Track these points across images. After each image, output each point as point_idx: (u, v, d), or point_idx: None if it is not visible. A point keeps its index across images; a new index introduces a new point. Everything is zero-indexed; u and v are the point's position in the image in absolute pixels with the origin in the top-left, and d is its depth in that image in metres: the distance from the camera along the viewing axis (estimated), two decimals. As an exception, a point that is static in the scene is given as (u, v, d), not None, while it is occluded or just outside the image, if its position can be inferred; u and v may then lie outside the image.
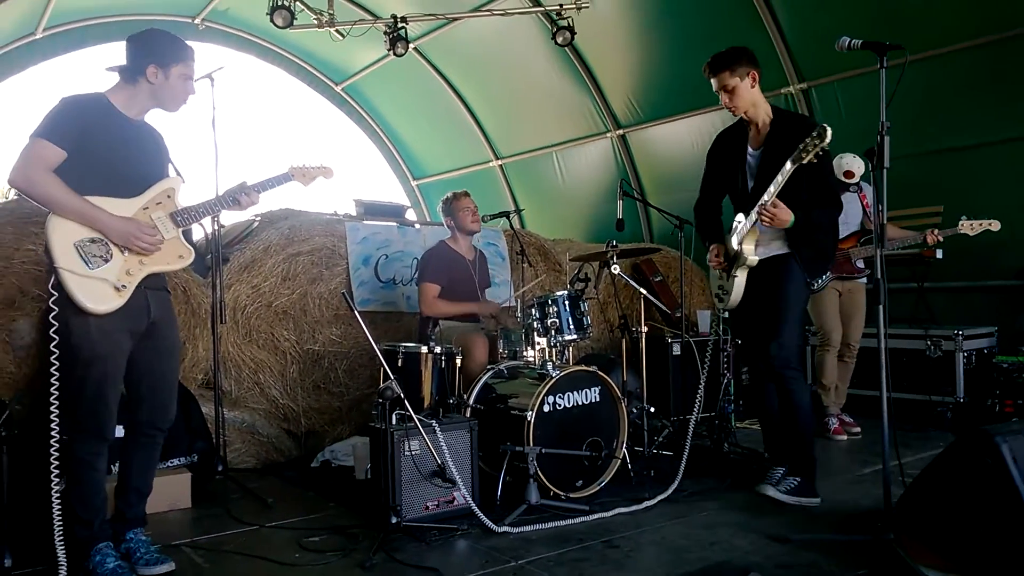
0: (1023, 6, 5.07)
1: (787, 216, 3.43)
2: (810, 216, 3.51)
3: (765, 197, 3.42)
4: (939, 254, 5.23)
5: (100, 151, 2.74)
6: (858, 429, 5.11)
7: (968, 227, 4.73)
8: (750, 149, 3.71)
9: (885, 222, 3.07)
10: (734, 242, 3.70)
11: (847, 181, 5.01)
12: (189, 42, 2.95)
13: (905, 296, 5.78)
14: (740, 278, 3.69)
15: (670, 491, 3.72)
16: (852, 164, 5.02)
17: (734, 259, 3.71)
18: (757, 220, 3.49)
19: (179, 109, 2.96)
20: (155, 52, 2.83)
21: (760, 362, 3.71)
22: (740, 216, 3.68)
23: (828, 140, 3.14)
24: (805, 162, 3.22)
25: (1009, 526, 2.45)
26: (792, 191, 3.41)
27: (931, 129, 5.73)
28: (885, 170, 2.95)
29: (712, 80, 3.63)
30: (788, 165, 3.29)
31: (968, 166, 5.71)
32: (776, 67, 6.39)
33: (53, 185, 2.65)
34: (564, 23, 7.14)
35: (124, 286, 2.71)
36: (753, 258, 3.64)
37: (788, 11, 6.22)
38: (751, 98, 3.63)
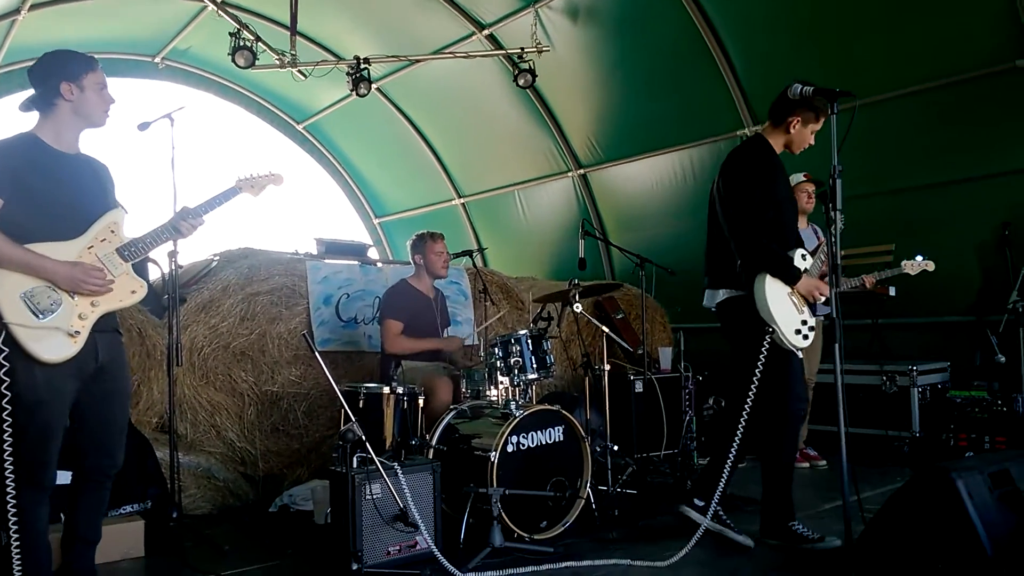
0: (969, 53, 5.29)
1: None
2: None
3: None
4: (892, 291, 5.34)
5: (36, 192, 2.66)
6: (824, 462, 5.16)
7: (909, 267, 4.90)
8: None
9: (840, 263, 3.16)
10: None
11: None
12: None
13: (860, 332, 5.89)
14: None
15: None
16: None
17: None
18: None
19: (105, 121, 2.86)
20: (62, 69, 2.76)
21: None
22: (804, 252, 3.58)
23: None
24: None
25: (966, 562, 2.48)
26: None
27: (882, 170, 5.89)
28: (839, 212, 3.05)
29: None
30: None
31: (918, 206, 5.89)
32: (732, 110, 6.56)
33: None
34: (525, 66, 7.26)
35: (78, 332, 2.64)
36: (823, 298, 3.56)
37: (742, 57, 6.40)
38: None
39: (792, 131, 3.55)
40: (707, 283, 3.70)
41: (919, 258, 4.91)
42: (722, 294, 3.60)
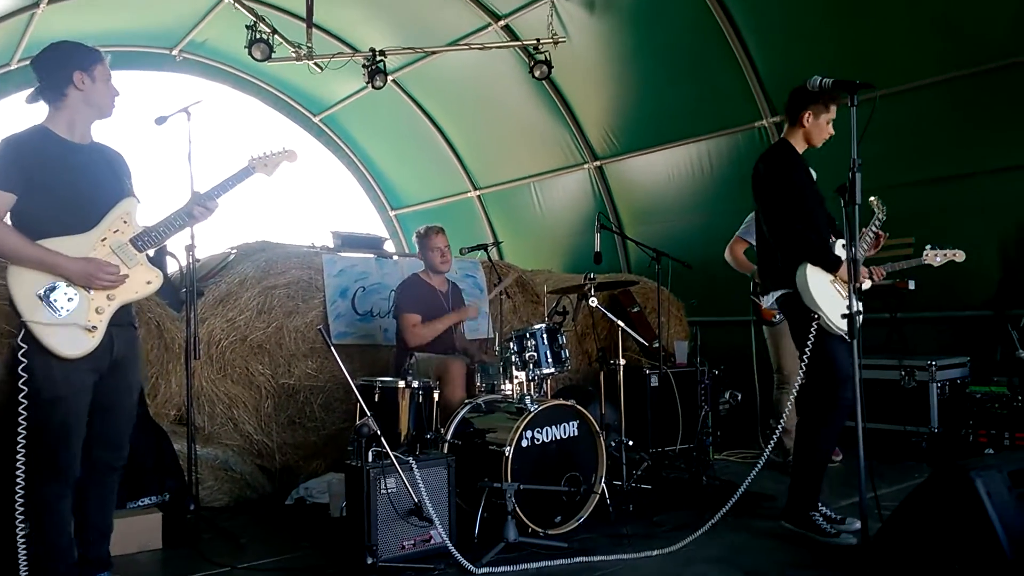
0: (985, 46, 5.21)
1: None
2: None
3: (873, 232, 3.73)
4: (911, 285, 5.27)
5: (49, 185, 2.67)
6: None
7: (932, 257, 4.37)
8: None
9: (858, 257, 3.12)
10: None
11: None
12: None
13: (878, 327, 5.83)
14: None
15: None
16: None
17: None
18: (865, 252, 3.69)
19: (113, 112, 2.88)
20: (73, 59, 2.76)
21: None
22: (841, 242, 3.60)
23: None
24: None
25: (984, 563, 2.45)
26: None
27: (899, 163, 5.80)
28: (857, 206, 3.01)
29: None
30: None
31: (936, 199, 5.79)
32: (750, 101, 6.50)
33: (5, 234, 2.60)
34: (541, 57, 7.23)
35: (95, 327, 2.66)
36: (868, 283, 3.74)
37: (760, 48, 6.33)
38: None
39: (807, 124, 3.68)
40: (760, 289, 3.85)
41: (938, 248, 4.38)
42: (771, 297, 3.70)
